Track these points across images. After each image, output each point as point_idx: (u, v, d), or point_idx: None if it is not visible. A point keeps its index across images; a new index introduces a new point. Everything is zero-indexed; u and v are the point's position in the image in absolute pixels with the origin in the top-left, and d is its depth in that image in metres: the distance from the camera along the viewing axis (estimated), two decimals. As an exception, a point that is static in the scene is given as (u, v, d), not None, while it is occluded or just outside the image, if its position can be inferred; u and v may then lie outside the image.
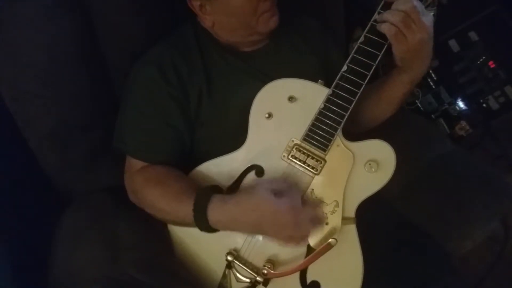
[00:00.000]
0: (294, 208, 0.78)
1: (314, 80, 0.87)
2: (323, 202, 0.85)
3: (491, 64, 1.43)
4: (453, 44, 1.45)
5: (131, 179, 0.93)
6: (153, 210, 0.90)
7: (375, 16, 0.80)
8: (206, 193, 0.82)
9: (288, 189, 0.81)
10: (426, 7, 0.84)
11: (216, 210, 0.80)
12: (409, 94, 0.95)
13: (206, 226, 0.82)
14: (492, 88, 1.43)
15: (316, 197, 0.85)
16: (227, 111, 0.94)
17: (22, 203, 0.99)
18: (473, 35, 1.45)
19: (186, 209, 0.82)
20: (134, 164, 0.93)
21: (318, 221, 0.83)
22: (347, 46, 1.41)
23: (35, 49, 0.94)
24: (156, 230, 0.94)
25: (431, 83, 1.47)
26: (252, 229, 0.83)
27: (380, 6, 0.80)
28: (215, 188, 0.85)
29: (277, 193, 0.79)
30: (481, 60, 1.44)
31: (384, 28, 0.79)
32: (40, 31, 0.93)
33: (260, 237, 0.87)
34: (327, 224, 0.84)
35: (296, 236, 0.81)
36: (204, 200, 0.81)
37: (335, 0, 1.31)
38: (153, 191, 0.88)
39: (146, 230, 0.93)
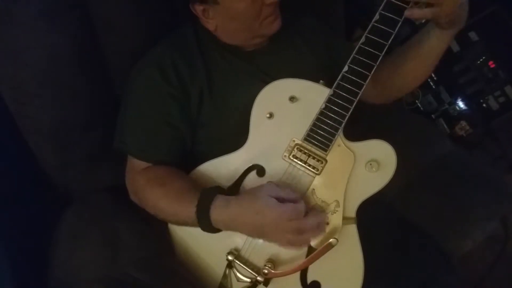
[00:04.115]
0: (297, 214, 0.78)
1: (315, 79, 0.87)
2: (324, 202, 0.85)
3: (491, 64, 1.43)
4: (453, 44, 1.45)
5: (133, 180, 0.93)
6: (155, 211, 0.90)
7: (376, 17, 0.80)
8: (209, 193, 0.82)
9: (293, 196, 0.81)
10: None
11: (218, 210, 0.80)
12: None
13: (208, 226, 0.82)
14: (492, 88, 1.43)
15: (317, 197, 0.85)
16: (228, 111, 0.94)
17: (22, 203, 0.99)
18: (473, 35, 1.45)
19: (188, 209, 0.82)
20: (135, 164, 0.93)
21: (320, 228, 0.82)
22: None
23: (35, 49, 0.93)
24: (156, 230, 0.94)
25: (431, 83, 1.48)
26: (253, 231, 0.82)
27: (381, 7, 0.80)
28: (218, 189, 0.85)
29: (281, 199, 0.79)
30: (481, 60, 1.44)
31: (418, 14, 0.77)
32: (40, 31, 0.93)
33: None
34: (328, 224, 0.84)
35: (297, 241, 0.81)
36: (207, 200, 0.81)
37: (335, 0, 1.31)
38: (155, 192, 0.88)
39: (146, 230, 0.94)
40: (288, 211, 0.78)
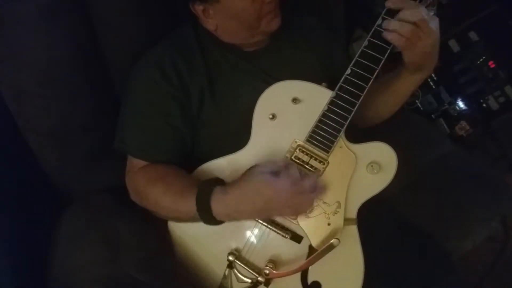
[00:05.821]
0: (294, 181, 0.78)
1: (316, 79, 0.87)
2: (326, 203, 0.85)
3: (491, 64, 1.43)
4: (453, 44, 1.45)
5: (133, 179, 0.93)
6: (156, 208, 0.89)
7: (379, 21, 0.80)
8: (208, 185, 0.82)
9: (284, 166, 0.81)
10: (426, 7, 0.84)
11: (219, 201, 0.80)
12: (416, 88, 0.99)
13: (210, 219, 0.81)
14: (492, 88, 1.43)
15: (318, 198, 0.85)
16: (229, 111, 0.94)
17: (22, 203, 0.99)
18: (473, 35, 1.45)
19: (189, 203, 0.81)
20: (135, 164, 0.93)
21: (319, 187, 0.83)
22: (347, 47, 1.41)
23: (35, 49, 0.93)
24: (156, 230, 0.94)
25: (431, 83, 1.48)
26: (259, 213, 0.83)
27: (384, 11, 0.80)
28: (216, 180, 0.84)
29: (274, 173, 0.79)
30: (481, 60, 1.44)
31: (393, 38, 0.80)
32: (40, 31, 0.93)
33: (262, 237, 0.87)
34: (329, 225, 0.84)
35: (303, 204, 0.81)
36: (206, 193, 0.80)
37: (335, 0, 1.31)
38: (155, 189, 0.88)
39: (146, 230, 0.93)
40: (285, 179, 0.78)
